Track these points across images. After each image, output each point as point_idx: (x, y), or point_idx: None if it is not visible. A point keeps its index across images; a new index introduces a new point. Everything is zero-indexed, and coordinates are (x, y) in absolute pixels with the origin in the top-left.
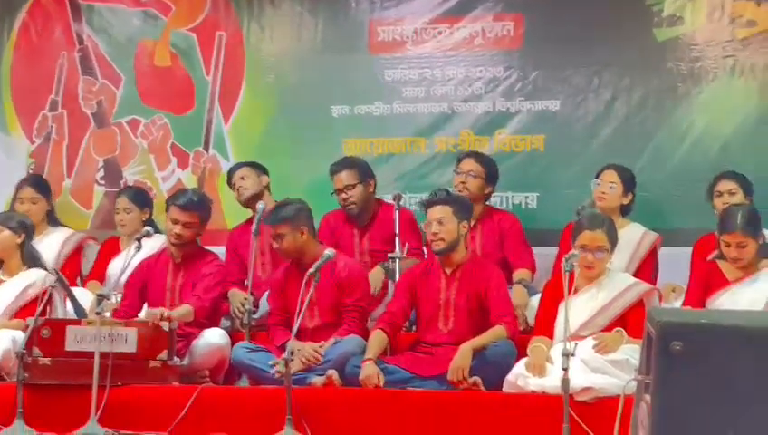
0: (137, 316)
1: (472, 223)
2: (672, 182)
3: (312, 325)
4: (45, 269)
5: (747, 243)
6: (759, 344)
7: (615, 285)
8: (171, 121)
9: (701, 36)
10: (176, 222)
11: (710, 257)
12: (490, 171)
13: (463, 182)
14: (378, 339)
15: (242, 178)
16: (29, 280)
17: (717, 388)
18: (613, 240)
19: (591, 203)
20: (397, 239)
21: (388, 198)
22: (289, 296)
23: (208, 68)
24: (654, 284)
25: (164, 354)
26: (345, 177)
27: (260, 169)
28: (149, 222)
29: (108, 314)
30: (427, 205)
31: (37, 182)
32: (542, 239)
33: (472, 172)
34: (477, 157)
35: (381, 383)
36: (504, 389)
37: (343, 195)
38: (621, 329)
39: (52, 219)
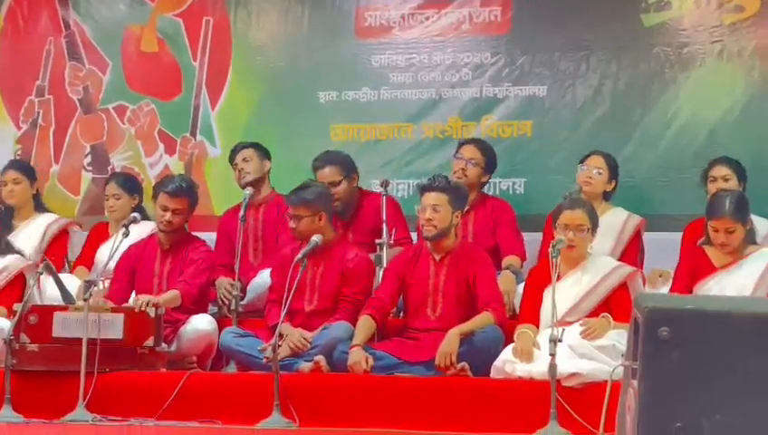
0: (127, 300)
1: (466, 209)
2: (659, 168)
3: (309, 309)
4: (21, 255)
5: (735, 228)
6: (745, 330)
7: (598, 269)
8: (158, 107)
9: (688, 21)
10: (165, 209)
11: (699, 243)
12: (490, 160)
13: (463, 169)
14: (365, 325)
15: (245, 160)
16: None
17: (704, 373)
18: (594, 222)
19: (578, 190)
20: (384, 226)
21: (376, 184)
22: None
23: (195, 54)
24: (641, 267)
25: (151, 341)
26: (329, 173)
27: (264, 154)
28: (139, 208)
29: (101, 301)
30: (424, 189)
31: (20, 165)
32: (529, 225)
33: (473, 160)
34: (478, 144)
35: (370, 367)
36: (491, 375)
37: None
38: (608, 314)
39: (39, 205)
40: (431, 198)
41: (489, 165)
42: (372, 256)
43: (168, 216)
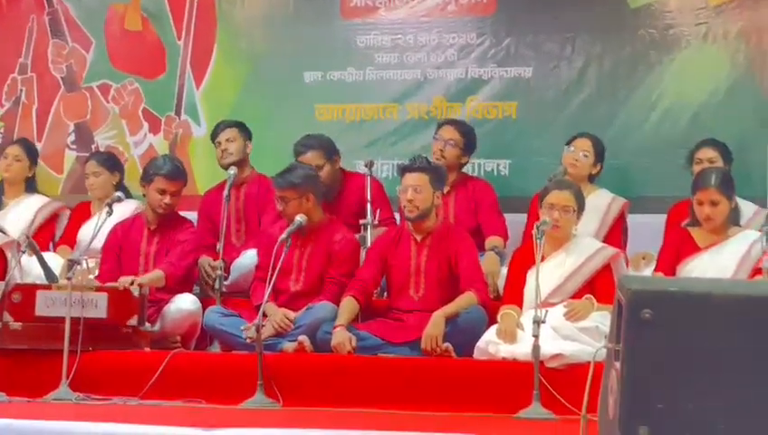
0: (117, 280)
1: (446, 190)
2: (643, 150)
3: (295, 289)
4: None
5: (720, 201)
6: (728, 312)
7: (582, 250)
8: (142, 86)
9: (674, 3)
10: (164, 192)
11: (683, 224)
12: (468, 140)
13: (441, 150)
14: (349, 305)
15: (228, 140)
16: None
17: (687, 356)
18: (580, 204)
19: (563, 171)
20: (369, 206)
21: (360, 165)
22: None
23: (180, 32)
24: (624, 249)
25: (135, 320)
26: (311, 157)
27: (247, 134)
28: (121, 187)
29: (91, 278)
30: (404, 170)
31: (26, 145)
32: (514, 206)
33: (451, 141)
34: (457, 125)
35: (353, 348)
36: (474, 355)
37: None
38: (591, 296)
39: (30, 186)
40: (412, 178)
41: (468, 145)
42: (357, 237)
43: (167, 199)
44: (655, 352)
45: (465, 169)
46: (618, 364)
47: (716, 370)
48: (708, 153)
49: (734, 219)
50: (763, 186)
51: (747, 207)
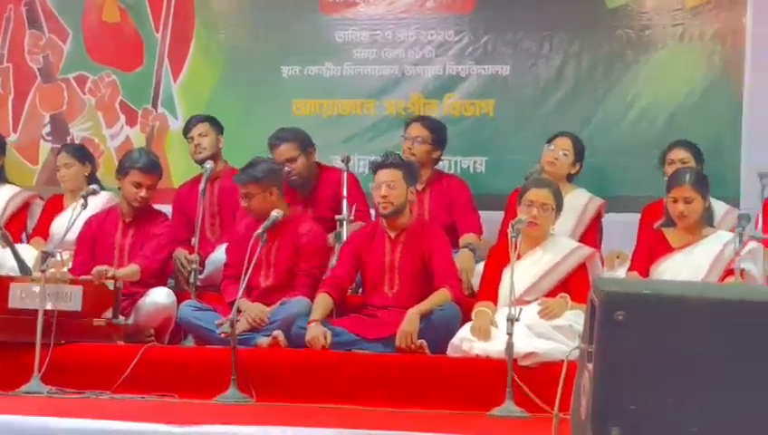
0: (91, 273)
1: (421, 187)
2: (620, 149)
3: (265, 285)
4: None
5: (695, 198)
6: (701, 315)
7: (558, 250)
8: (119, 78)
9: (650, 4)
10: (140, 186)
11: (656, 225)
12: (437, 136)
13: (410, 148)
14: (323, 301)
15: (201, 135)
16: None
17: (659, 358)
18: (559, 203)
19: (540, 169)
20: (344, 201)
21: (337, 160)
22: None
23: (158, 24)
24: (599, 249)
25: (109, 313)
26: (285, 150)
27: (219, 129)
28: (93, 178)
29: (65, 271)
30: (377, 167)
31: None
32: (491, 204)
33: (419, 138)
34: (424, 121)
35: (328, 343)
36: (448, 352)
37: (285, 168)
38: (566, 295)
39: (1, 176)
40: (385, 175)
41: (437, 141)
42: (333, 234)
43: (142, 192)
44: (627, 354)
45: (441, 166)
46: (590, 365)
47: (689, 372)
48: (680, 154)
49: (707, 220)
50: (735, 187)
51: (719, 207)
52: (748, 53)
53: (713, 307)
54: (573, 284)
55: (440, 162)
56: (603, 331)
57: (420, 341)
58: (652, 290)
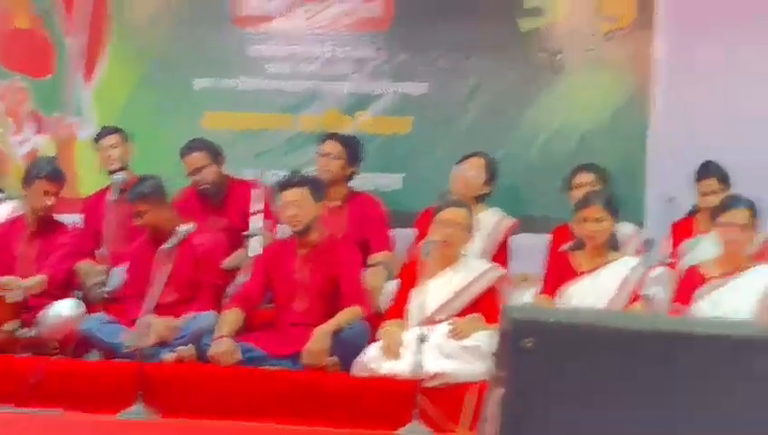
0: None
1: (336, 204)
2: (532, 170)
3: (168, 300)
4: None
5: (605, 218)
6: (609, 344)
7: (470, 270)
8: (30, 85)
9: (564, 28)
10: (47, 193)
11: (565, 247)
12: (352, 152)
13: (325, 164)
14: (231, 316)
15: (112, 147)
16: None
17: (567, 386)
18: (470, 225)
19: (450, 189)
20: (257, 216)
21: (249, 174)
22: (147, 269)
23: (70, 31)
24: (507, 268)
25: (11, 325)
26: (196, 159)
27: (129, 140)
28: None
29: None
30: (283, 187)
31: None
32: (406, 221)
33: (332, 154)
34: (339, 138)
35: (236, 359)
36: (355, 371)
37: (196, 177)
38: (475, 315)
39: None
40: (292, 194)
41: (352, 157)
42: (239, 250)
43: (51, 200)
44: (535, 382)
45: (356, 183)
46: (498, 391)
47: (596, 402)
48: (585, 177)
49: (612, 244)
50: (640, 211)
51: (626, 229)
52: (656, 79)
53: (620, 337)
54: (484, 305)
55: (356, 179)
56: (512, 358)
57: (333, 358)
58: (561, 318)
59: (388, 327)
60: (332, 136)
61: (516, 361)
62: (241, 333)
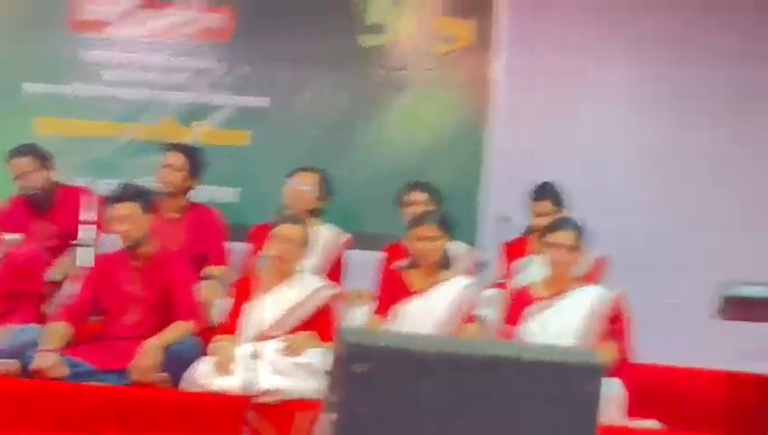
0: None
1: (174, 216)
2: (369, 186)
3: None
4: None
5: (437, 237)
6: (441, 369)
7: (304, 287)
8: None
9: (403, 47)
10: None
11: (399, 265)
12: (194, 164)
13: (165, 175)
14: (59, 329)
15: None
16: None
17: (399, 410)
18: (305, 241)
19: (286, 204)
20: (86, 226)
21: (81, 183)
22: None
23: None
24: (341, 284)
25: None
26: (22, 163)
27: None
28: None
29: None
30: (114, 201)
31: None
32: (243, 235)
33: (175, 166)
34: (181, 149)
35: (62, 374)
36: (185, 386)
37: (23, 182)
38: (309, 332)
39: None
40: (123, 208)
41: (193, 170)
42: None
43: None
44: (367, 405)
45: (196, 195)
46: (330, 415)
47: (423, 427)
48: (419, 196)
49: (446, 264)
50: (473, 231)
51: (458, 247)
52: (493, 100)
53: (451, 362)
54: (318, 322)
55: (194, 191)
56: (344, 382)
57: (163, 374)
58: (394, 343)
59: (220, 342)
60: (176, 147)
61: (349, 385)
62: (69, 346)
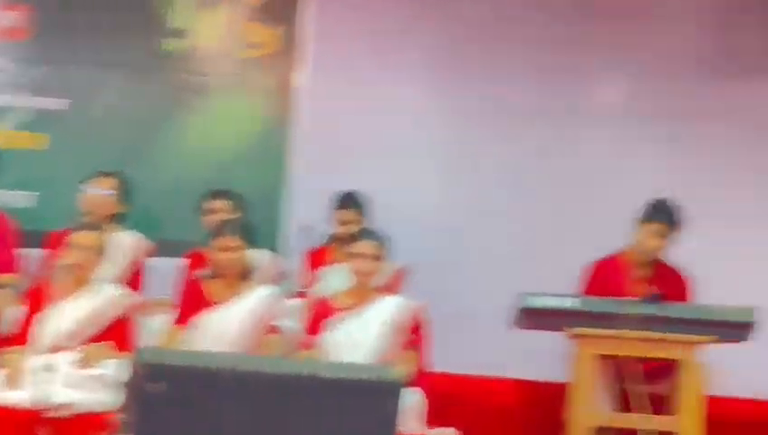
0: None
1: None
2: (170, 192)
3: None
4: None
5: (238, 247)
6: (230, 387)
7: (101, 296)
8: None
9: (208, 52)
10: None
11: (199, 274)
12: None
13: None
14: None
15: None
16: None
17: (192, 428)
18: (103, 248)
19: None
20: None
21: None
22: None
23: None
24: (141, 292)
25: None
26: None
27: None
28: None
29: None
30: None
31: None
32: (42, 241)
33: None
34: None
35: None
36: None
37: None
38: (104, 343)
39: None
40: None
41: None
42: None
43: None
44: (162, 426)
45: None
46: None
47: None
48: (220, 204)
49: (247, 274)
50: (276, 239)
51: (262, 257)
52: (298, 108)
53: (241, 380)
54: (115, 332)
55: None
56: (139, 401)
57: None
58: (191, 362)
59: (9, 354)
60: None
61: (143, 404)
62: None
